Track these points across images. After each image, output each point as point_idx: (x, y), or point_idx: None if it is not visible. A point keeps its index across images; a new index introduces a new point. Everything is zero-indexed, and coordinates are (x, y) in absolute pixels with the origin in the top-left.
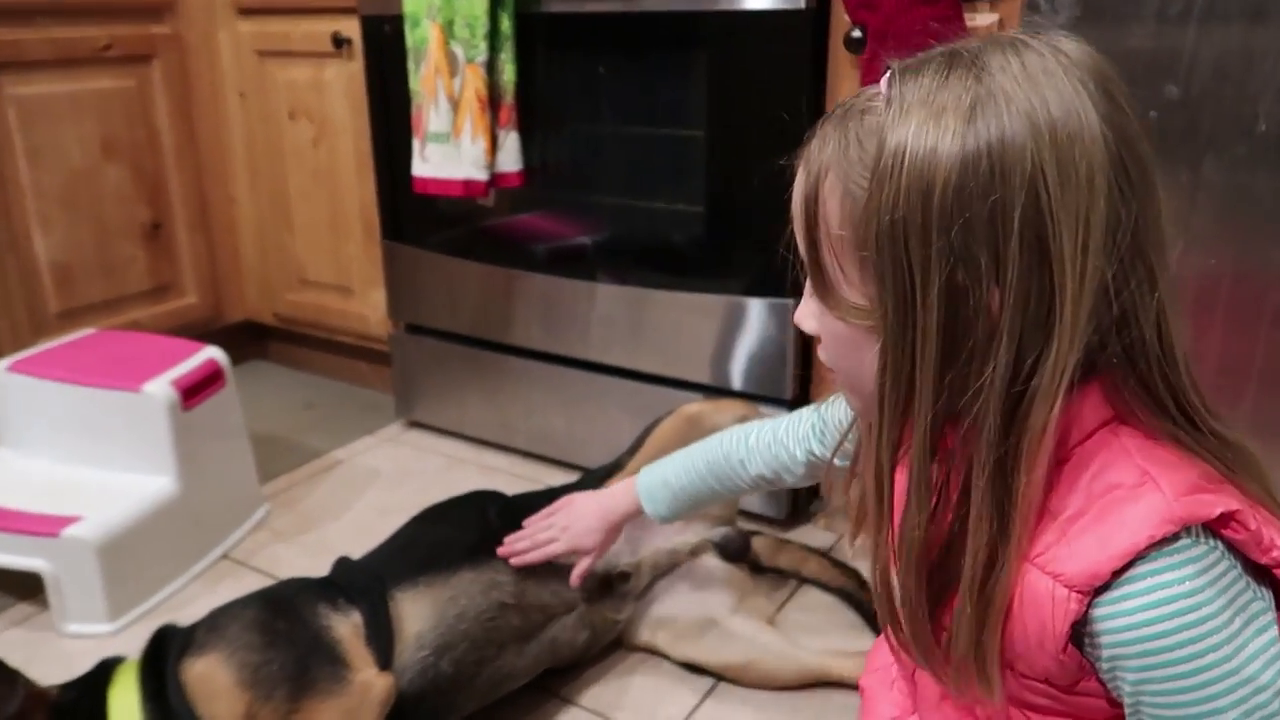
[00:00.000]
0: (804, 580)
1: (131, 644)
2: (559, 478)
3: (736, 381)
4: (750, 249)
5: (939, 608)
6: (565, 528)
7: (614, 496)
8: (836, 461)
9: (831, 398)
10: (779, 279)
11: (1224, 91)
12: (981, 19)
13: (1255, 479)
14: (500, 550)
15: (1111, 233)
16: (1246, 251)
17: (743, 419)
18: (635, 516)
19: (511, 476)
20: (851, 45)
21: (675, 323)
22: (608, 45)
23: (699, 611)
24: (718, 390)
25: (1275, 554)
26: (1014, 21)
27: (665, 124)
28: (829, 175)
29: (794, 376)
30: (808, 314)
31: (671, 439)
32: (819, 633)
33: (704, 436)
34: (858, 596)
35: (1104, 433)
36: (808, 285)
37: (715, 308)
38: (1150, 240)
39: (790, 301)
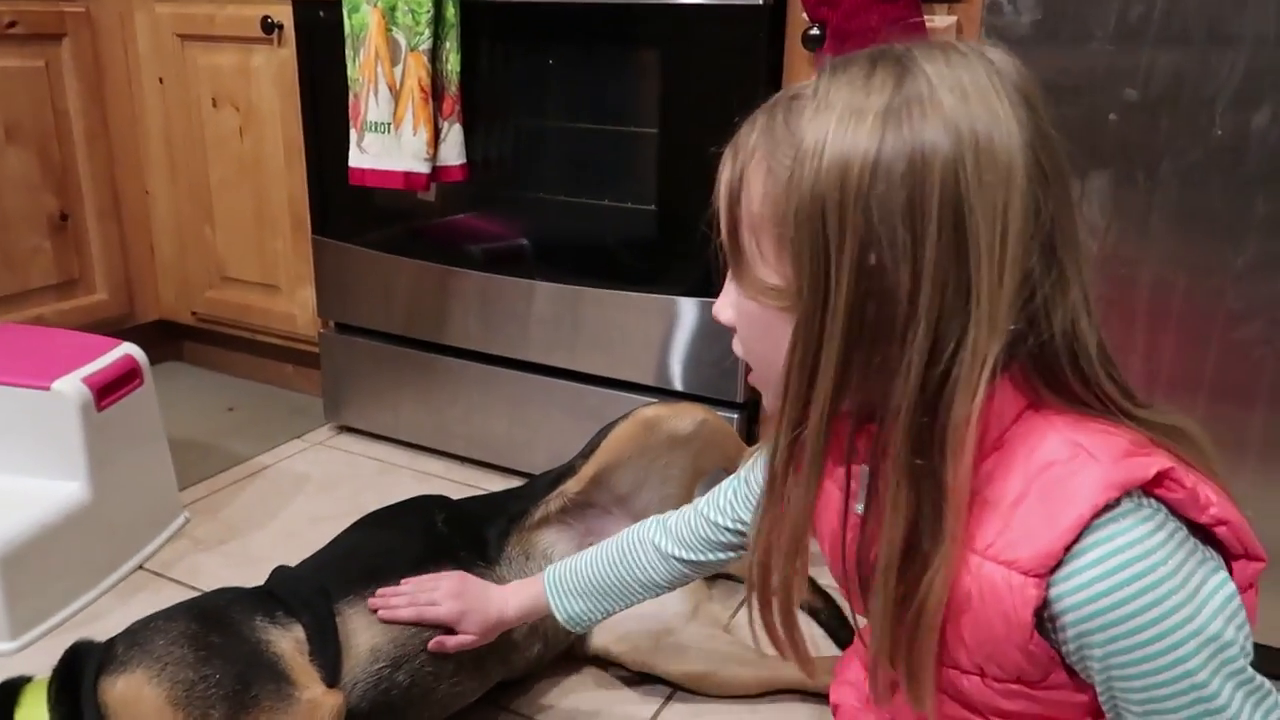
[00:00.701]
0: None
1: (37, 663)
2: (499, 483)
3: (686, 384)
4: (701, 248)
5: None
6: (457, 595)
7: (516, 593)
8: None
9: (751, 459)
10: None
11: (1181, 96)
12: (940, 20)
13: (1194, 452)
14: (372, 601)
15: (1029, 226)
16: (1201, 253)
17: (702, 423)
18: (532, 619)
19: (448, 482)
20: (809, 43)
21: (622, 323)
22: (558, 36)
23: (654, 620)
24: (666, 393)
25: (1213, 511)
26: (974, 24)
27: (616, 120)
28: (754, 156)
29: (745, 379)
30: (725, 304)
31: (628, 444)
32: None
33: (662, 442)
34: (812, 603)
35: (1029, 415)
36: (728, 275)
37: (665, 308)
38: (1066, 238)
39: None
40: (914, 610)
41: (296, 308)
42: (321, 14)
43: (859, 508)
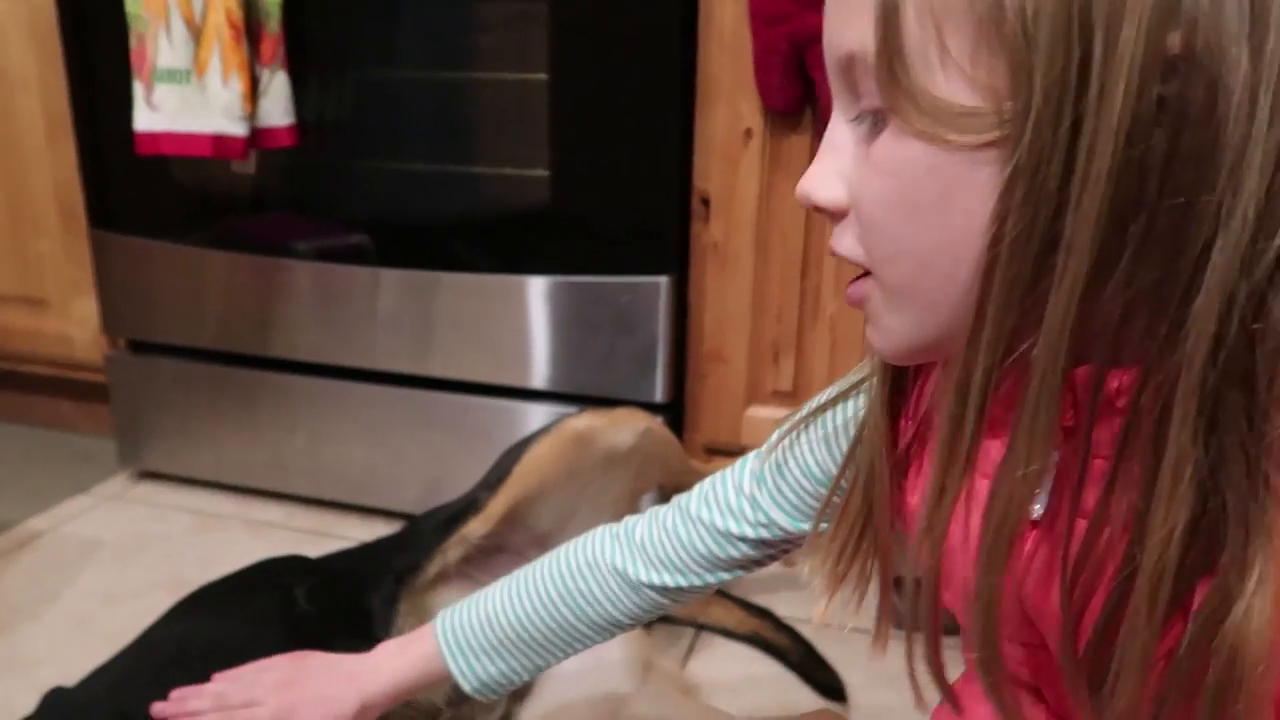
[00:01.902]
0: (703, 628)
1: None
2: (361, 529)
3: (591, 385)
4: (609, 217)
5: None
6: (285, 684)
7: (389, 660)
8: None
9: (787, 441)
10: (648, 250)
11: None
12: None
13: None
14: (157, 708)
15: None
16: None
17: (645, 433)
18: (416, 692)
19: (292, 533)
20: None
21: (508, 315)
22: None
23: (598, 689)
24: (569, 398)
25: None
26: None
27: (492, 65)
28: None
29: (667, 371)
30: (826, 174)
31: (553, 467)
32: (736, 691)
33: (597, 461)
34: (774, 641)
35: None
36: (831, 132)
37: (564, 293)
38: None
39: (663, 279)
40: (1199, 673)
41: (73, 326)
42: None
43: (1036, 510)
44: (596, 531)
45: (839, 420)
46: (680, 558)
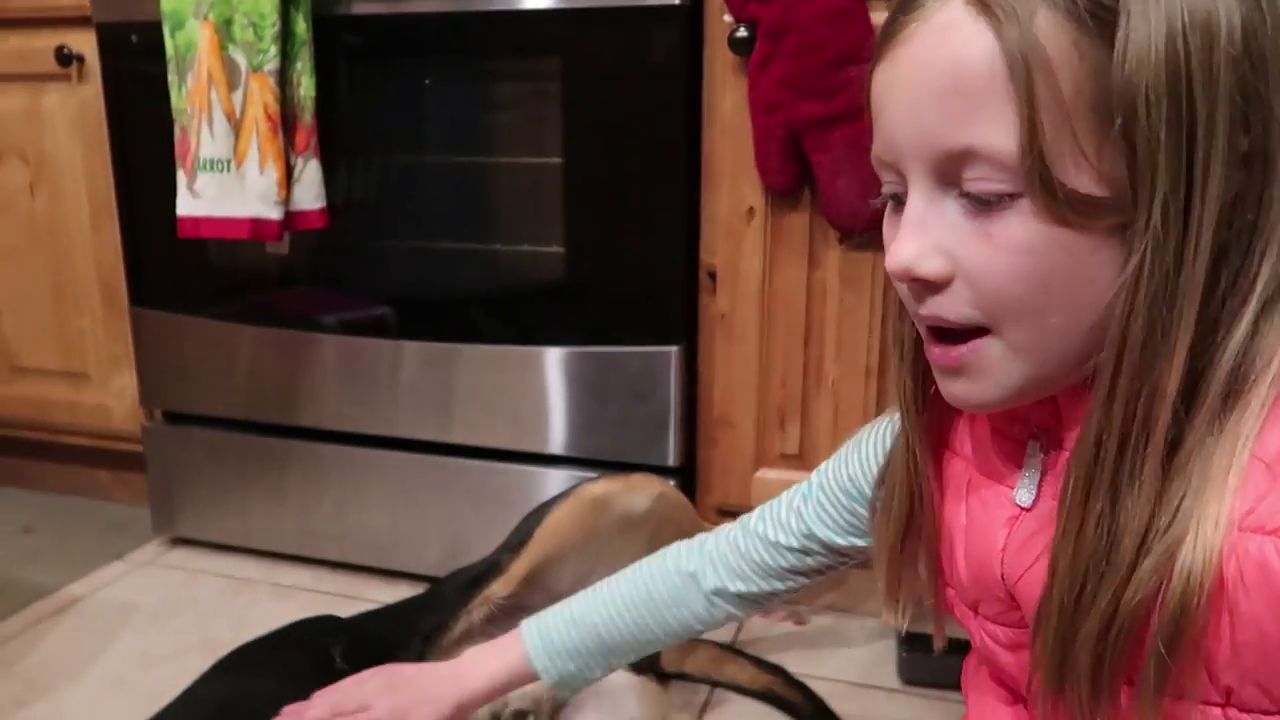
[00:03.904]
0: (717, 685)
1: None
2: (385, 591)
3: (606, 450)
4: (621, 290)
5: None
6: (390, 689)
7: (480, 663)
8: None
9: (833, 460)
10: (658, 322)
11: None
12: (880, 16)
13: None
14: None
15: None
16: None
17: (660, 497)
18: (507, 692)
19: (320, 596)
20: (737, 46)
21: (526, 384)
22: (434, 51)
23: None
24: (584, 463)
25: None
26: None
27: (510, 150)
28: (1044, 9)
29: (679, 436)
30: (923, 245)
31: (572, 531)
32: None
33: (614, 524)
34: (786, 697)
35: None
36: (915, 212)
37: (579, 363)
38: None
39: (673, 349)
40: (1146, 618)
41: (111, 398)
42: (134, 38)
43: (1025, 498)
44: (673, 545)
45: (873, 443)
46: (740, 566)
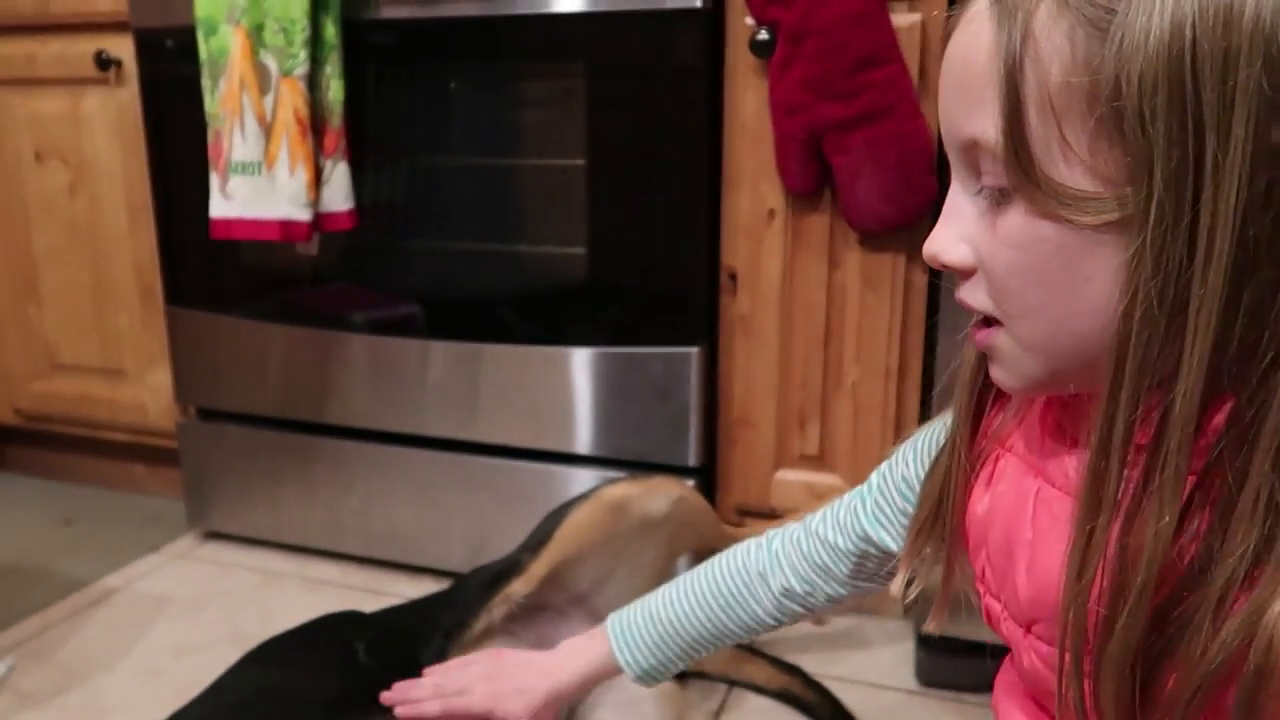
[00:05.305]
0: (735, 684)
1: None
2: (409, 585)
3: (627, 449)
4: (643, 291)
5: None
6: (488, 677)
7: (570, 657)
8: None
9: (891, 459)
10: (680, 323)
11: None
12: (900, 19)
13: None
14: (385, 696)
15: None
16: None
17: (679, 500)
18: (595, 685)
19: (346, 589)
20: (758, 49)
21: (549, 384)
22: (460, 55)
23: None
24: (605, 462)
25: None
26: (936, 23)
27: (534, 152)
28: (1043, 4)
29: (699, 436)
30: (950, 237)
31: (591, 532)
32: None
33: (633, 526)
34: (804, 698)
35: None
36: (953, 200)
37: (601, 363)
38: None
39: (694, 349)
40: (1237, 664)
41: (147, 395)
42: (169, 43)
43: None
44: (745, 543)
45: (929, 440)
46: (802, 566)
